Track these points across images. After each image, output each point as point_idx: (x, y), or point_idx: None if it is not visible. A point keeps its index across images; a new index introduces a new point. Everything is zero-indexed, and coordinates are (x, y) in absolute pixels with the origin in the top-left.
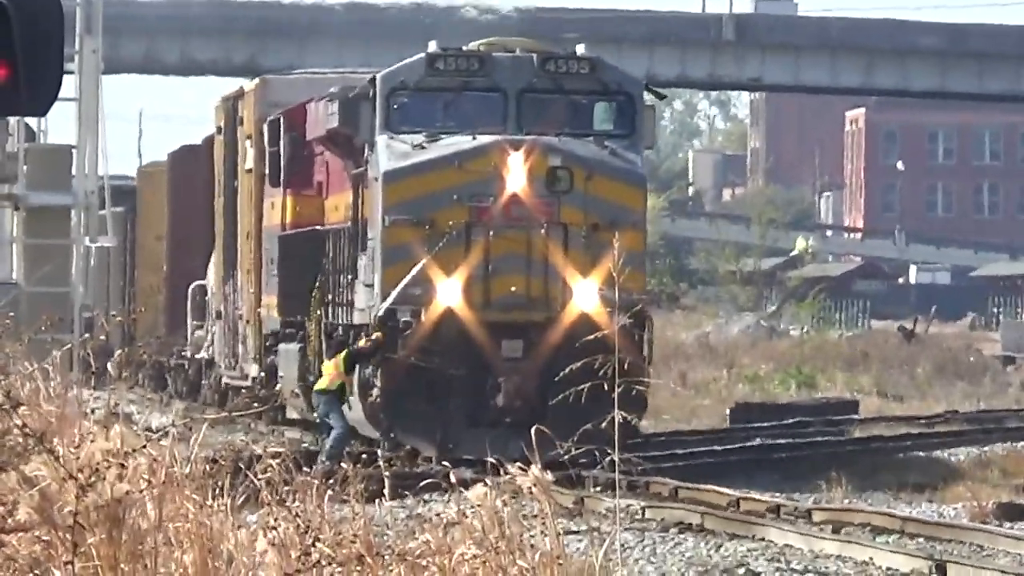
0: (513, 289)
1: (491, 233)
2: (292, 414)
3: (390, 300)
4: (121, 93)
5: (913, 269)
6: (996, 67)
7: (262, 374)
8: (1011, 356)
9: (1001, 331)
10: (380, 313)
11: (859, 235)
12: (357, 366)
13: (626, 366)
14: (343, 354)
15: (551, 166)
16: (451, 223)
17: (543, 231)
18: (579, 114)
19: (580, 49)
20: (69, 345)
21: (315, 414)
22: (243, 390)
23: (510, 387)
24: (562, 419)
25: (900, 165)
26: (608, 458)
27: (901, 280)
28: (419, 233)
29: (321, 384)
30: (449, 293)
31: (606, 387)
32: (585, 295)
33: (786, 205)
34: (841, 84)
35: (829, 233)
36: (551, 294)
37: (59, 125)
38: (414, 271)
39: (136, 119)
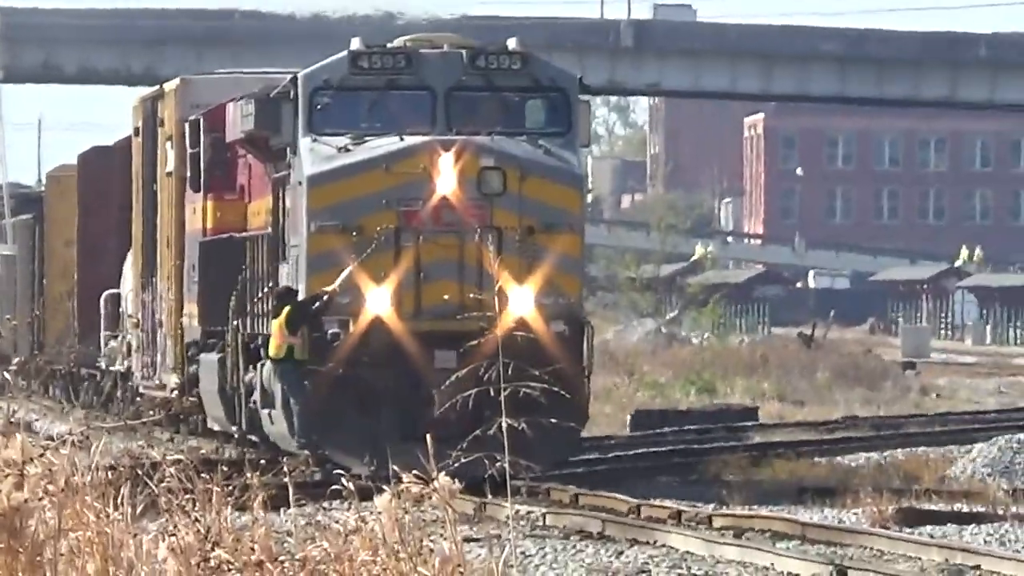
0: (445, 297)
1: (421, 238)
2: (213, 425)
3: (314, 307)
4: (20, 102)
5: (812, 274)
6: (895, 72)
7: (183, 384)
8: (911, 361)
9: (901, 336)
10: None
11: (759, 241)
12: (305, 326)
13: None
14: (285, 312)
15: (483, 167)
16: (379, 228)
17: (476, 235)
18: (512, 112)
19: (512, 44)
20: None
21: (266, 388)
22: (161, 401)
23: (444, 399)
24: (500, 433)
25: (799, 171)
26: (498, 464)
27: (800, 285)
28: (346, 240)
29: (272, 350)
30: (378, 302)
31: (542, 397)
32: (521, 302)
33: (686, 211)
34: (740, 89)
35: (729, 239)
36: (485, 301)
37: None
38: (340, 279)
39: (35, 127)
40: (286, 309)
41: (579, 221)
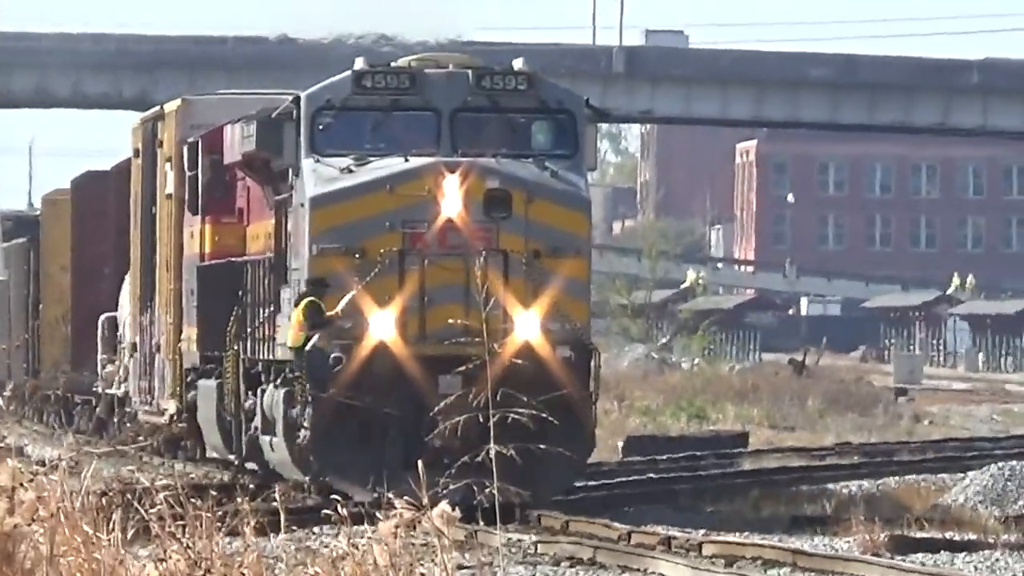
0: (450, 321)
1: (426, 261)
2: (211, 452)
3: (318, 334)
4: (12, 127)
5: (804, 301)
6: (887, 98)
7: (181, 410)
8: (903, 388)
9: (893, 363)
10: (308, 347)
11: (750, 267)
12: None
13: (570, 402)
14: (304, 304)
15: (489, 189)
16: (383, 251)
17: (481, 259)
18: (518, 133)
19: (518, 64)
20: None
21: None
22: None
23: (448, 426)
24: (503, 458)
25: (791, 197)
26: (488, 490)
27: (792, 312)
28: (349, 262)
29: (289, 340)
30: (382, 326)
31: (548, 424)
32: (527, 326)
33: (677, 237)
34: (732, 116)
35: (720, 265)
36: (490, 326)
37: None
38: (343, 303)
39: (27, 152)
40: (306, 300)
41: (586, 245)
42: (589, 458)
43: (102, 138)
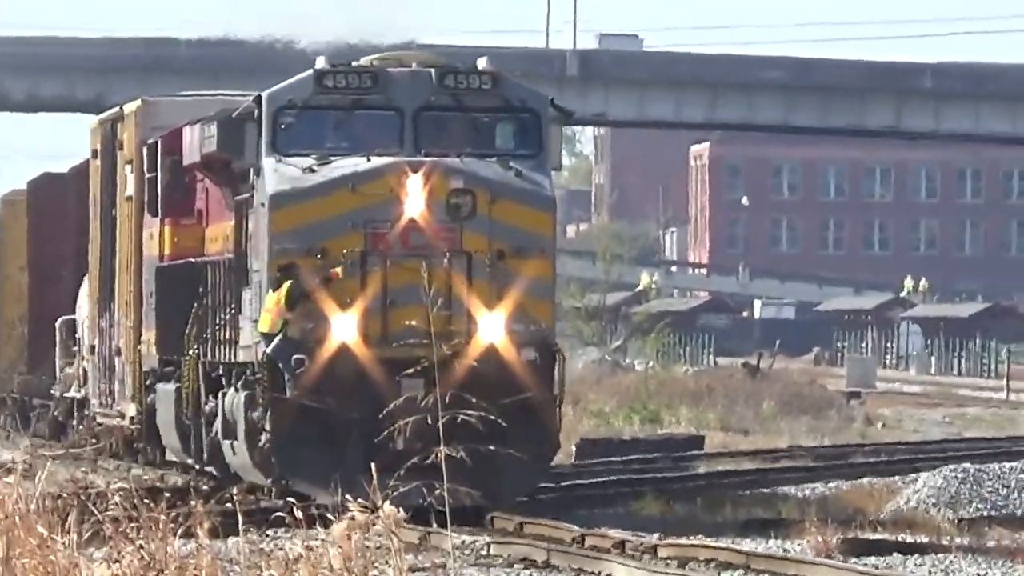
0: (413, 323)
1: (388, 262)
2: (171, 456)
3: (279, 336)
4: None
5: (758, 304)
6: (840, 101)
7: (141, 414)
8: (856, 391)
9: (846, 366)
10: (269, 350)
11: (704, 270)
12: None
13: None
14: (286, 286)
15: (452, 189)
16: (345, 252)
17: (445, 260)
18: (481, 133)
19: (482, 63)
20: None
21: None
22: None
23: (411, 428)
24: (460, 460)
25: (744, 200)
26: (437, 492)
27: (745, 315)
28: (310, 263)
29: (263, 325)
30: (344, 328)
31: (511, 426)
32: (491, 329)
33: (631, 240)
34: (685, 119)
35: (674, 268)
36: (454, 328)
37: None
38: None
39: None
40: (286, 284)
41: (551, 245)
42: (552, 460)
43: (56, 141)
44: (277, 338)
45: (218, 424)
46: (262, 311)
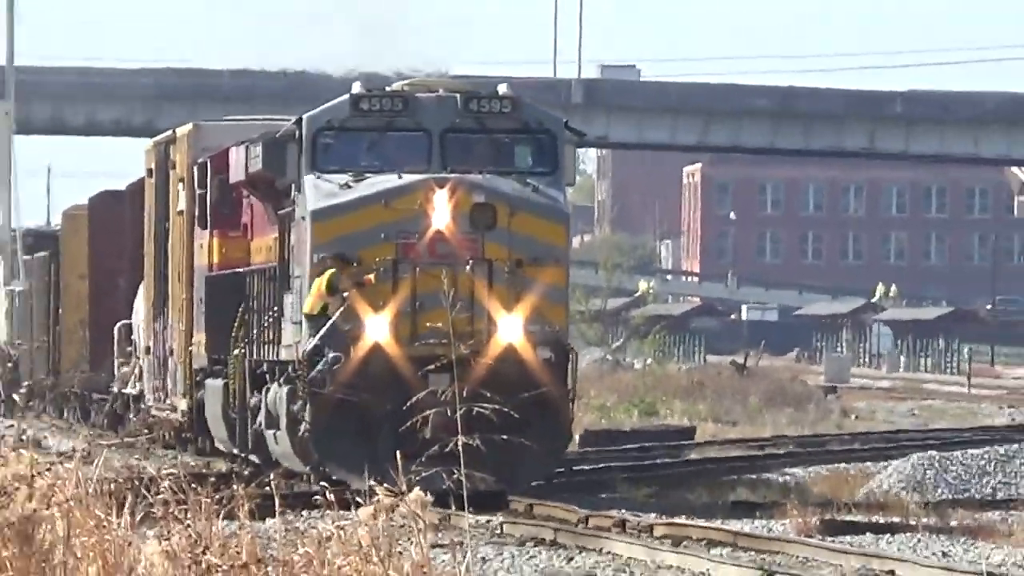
0: (439, 324)
1: (417, 270)
2: (218, 445)
3: (319, 336)
4: (31, 152)
5: (744, 308)
6: (820, 126)
7: (192, 407)
8: (833, 386)
9: (824, 364)
10: (309, 349)
11: (696, 278)
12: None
13: (548, 399)
14: (328, 274)
15: (475, 203)
16: (378, 260)
17: (468, 267)
18: (502, 152)
19: (502, 88)
20: None
21: (308, 340)
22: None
23: (437, 420)
24: (486, 450)
25: (732, 215)
26: (455, 477)
27: (733, 318)
28: (347, 270)
29: (307, 307)
30: (377, 329)
31: (528, 418)
32: (510, 329)
33: (630, 251)
34: (680, 142)
35: (669, 276)
36: (476, 329)
37: None
38: (342, 308)
39: (45, 174)
40: (328, 272)
41: (564, 254)
42: (566, 449)
43: (112, 162)
44: (327, 326)
45: (262, 416)
46: (307, 296)
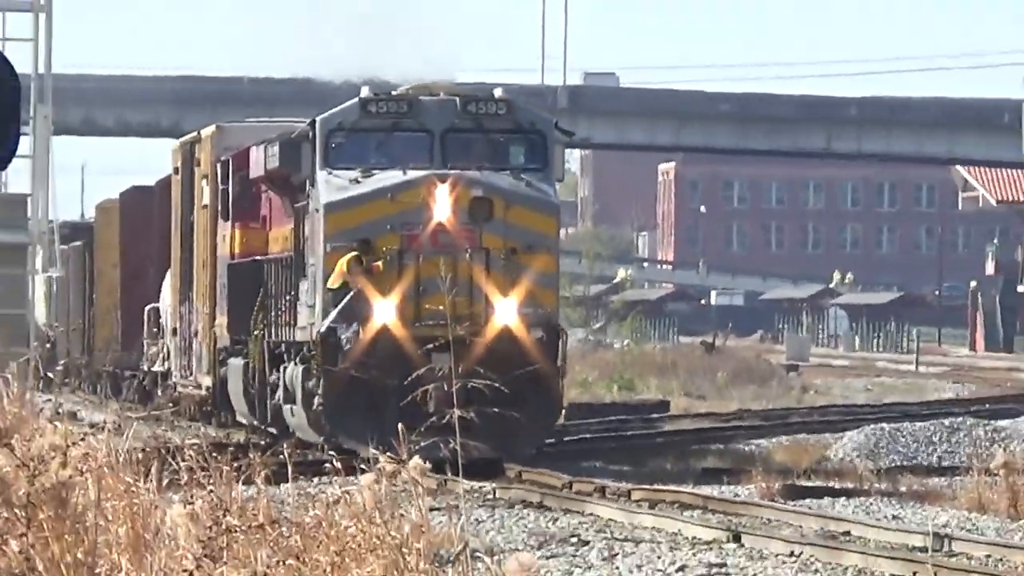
0: (441, 308)
1: (421, 258)
2: (240, 418)
3: (331, 318)
4: (67, 151)
5: (713, 294)
6: (782, 128)
7: (215, 384)
8: (794, 364)
9: (786, 344)
10: (322, 330)
11: (670, 266)
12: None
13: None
14: (349, 255)
15: (474, 197)
16: (385, 249)
17: (467, 255)
18: (498, 150)
19: (498, 92)
20: (26, 357)
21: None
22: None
23: (439, 395)
24: (484, 422)
25: (703, 209)
26: (451, 446)
27: (704, 302)
28: (364, 257)
29: (331, 283)
30: (384, 312)
31: (523, 393)
32: (505, 312)
33: (610, 242)
34: (656, 143)
35: (645, 265)
36: (475, 311)
37: (16, 178)
38: (352, 292)
39: (79, 171)
40: (350, 254)
41: (555, 243)
42: (557, 421)
43: (141, 160)
44: (344, 301)
45: (280, 392)
46: (332, 273)
